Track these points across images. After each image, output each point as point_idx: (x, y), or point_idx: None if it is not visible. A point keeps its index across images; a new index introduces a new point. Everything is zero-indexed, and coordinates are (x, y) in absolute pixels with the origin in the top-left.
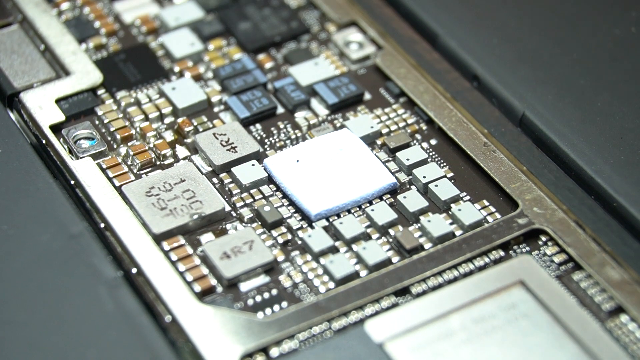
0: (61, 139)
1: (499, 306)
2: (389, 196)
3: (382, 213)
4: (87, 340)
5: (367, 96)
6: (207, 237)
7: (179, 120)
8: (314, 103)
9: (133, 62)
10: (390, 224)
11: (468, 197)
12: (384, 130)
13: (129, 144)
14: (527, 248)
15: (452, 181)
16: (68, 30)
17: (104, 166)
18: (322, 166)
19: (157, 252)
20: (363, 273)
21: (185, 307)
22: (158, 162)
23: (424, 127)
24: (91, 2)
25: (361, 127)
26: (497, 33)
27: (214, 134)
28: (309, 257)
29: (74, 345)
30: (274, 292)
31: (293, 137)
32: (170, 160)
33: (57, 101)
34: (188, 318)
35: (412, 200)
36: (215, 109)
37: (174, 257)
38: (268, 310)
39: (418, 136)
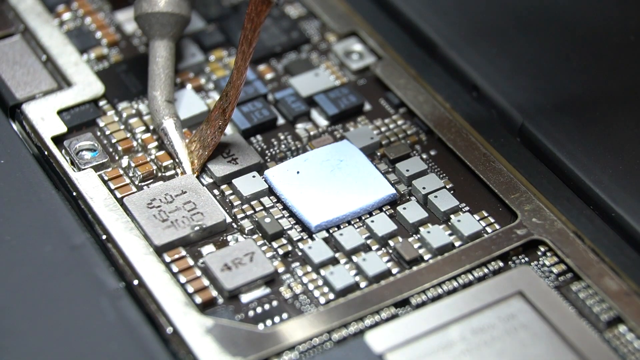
0: (63, 151)
1: (498, 317)
2: (389, 207)
3: (382, 224)
4: (89, 351)
5: (367, 107)
6: (208, 249)
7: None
8: (314, 114)
9: (135, 73)
10: (390, 235)
11: (467, 208)
12: (384, 141)
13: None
14: (526, 259)
15: (452, 192)
16: (70, 40)
17: (106, 178)
18: (322, 178)
19: (159, 264)
20: (363, 284)
21: (187, 319)
22: (159, 174)
23: (424, 138)
24: (93, 13)
25: (361, 138)
26: (496, 43)
27: None
28: (309, 268)
29: (75, 356)
30: (275, 303)
31: (293, 148)
32: (172, 172)
33: (59, 112)
34: (189, 329)
35: (412, 212)
36: None
37: (175, 268)
38: (269, 322)
39: (418, 147)
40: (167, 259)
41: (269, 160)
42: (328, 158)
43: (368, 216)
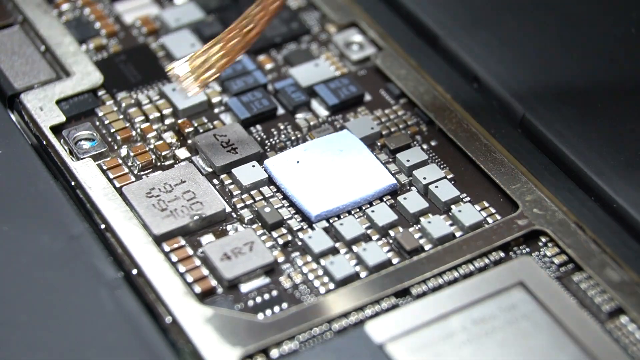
0: (62, 140)
1: (499, 307)
2: (389, 197)
3: (383, 214)
4: (88, 341)
5: (368, 97)
6: (207, 238)
7: (180, 121)
8: (315, 104)
9: (133, 63)
10: (390, 225)
11: (468, 199)
12: (384, 132)
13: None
14: (527, 249)
15: (452, 182)
16: (69, 31)
17: (105, 167)
18: (322, 167)
19: (158, 253)
20: (363, 274)
21: (186, 308)
22: (158, 163)
23: (424, 129)
24: (92, 3)
25: (361, 128)
26: (497, 34)
27: (214, 135)
28: (309, 258)
29: (74, 346)
30: (275, 293)
31: (293, 138)
32: (171, 161)
33: (58, 102)
34: (188, 319)
35: (413, 202)
36: (216, 110)
37: (174, 258)
38: (268, 312)
39: (418, 137)
40: (166, 248)
41: (268, 150)
42: (328, 148)
43: (368, 206)
